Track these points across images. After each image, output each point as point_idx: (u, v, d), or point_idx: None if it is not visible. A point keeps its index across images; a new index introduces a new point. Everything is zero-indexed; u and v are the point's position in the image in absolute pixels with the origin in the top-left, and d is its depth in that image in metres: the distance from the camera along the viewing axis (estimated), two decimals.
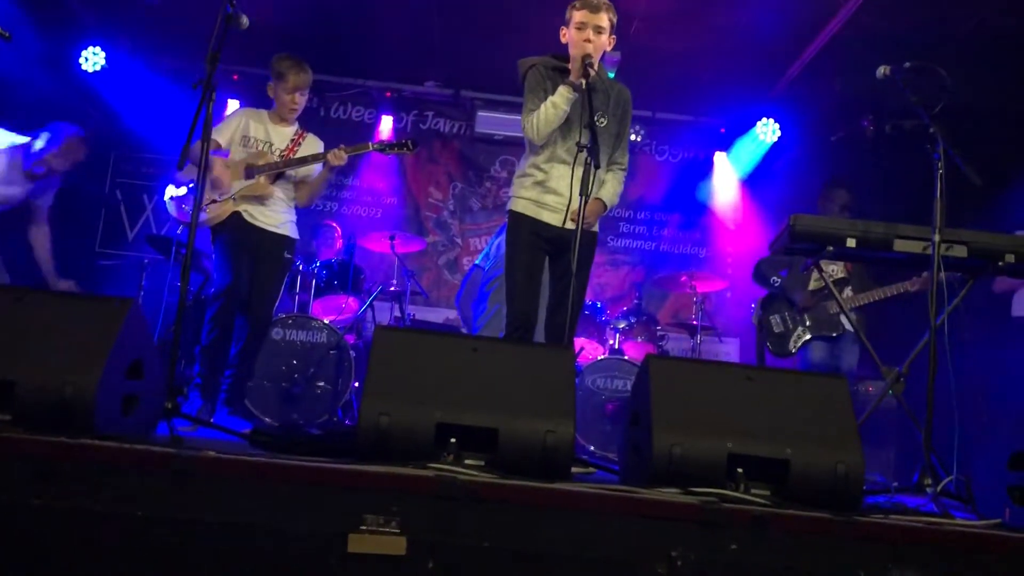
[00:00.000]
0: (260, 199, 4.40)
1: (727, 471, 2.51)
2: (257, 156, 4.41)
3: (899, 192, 6.36)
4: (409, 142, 4.51)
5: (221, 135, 4.42)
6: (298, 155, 4.47)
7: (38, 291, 2.78)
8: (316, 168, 4.51)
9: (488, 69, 7.24)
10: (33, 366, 2.45)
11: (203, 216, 4.29)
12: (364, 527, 2.11)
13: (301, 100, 4.55)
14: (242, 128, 4.47)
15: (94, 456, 2.17)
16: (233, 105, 7.27)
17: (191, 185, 4.61)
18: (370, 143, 4.49)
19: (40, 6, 6.39)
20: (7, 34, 3.92)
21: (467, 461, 2.49)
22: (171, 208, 4.57)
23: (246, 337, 4.41)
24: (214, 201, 4.34)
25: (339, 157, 4.32)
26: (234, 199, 4.34)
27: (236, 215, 4.36)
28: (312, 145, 4.58)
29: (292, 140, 4.53)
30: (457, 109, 8.08)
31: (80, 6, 6.90)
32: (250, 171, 4.38)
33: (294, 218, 4.60)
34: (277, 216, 4.47)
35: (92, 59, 7.24)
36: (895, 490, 3.10)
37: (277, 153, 4.47)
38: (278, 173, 4.44)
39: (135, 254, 7.40)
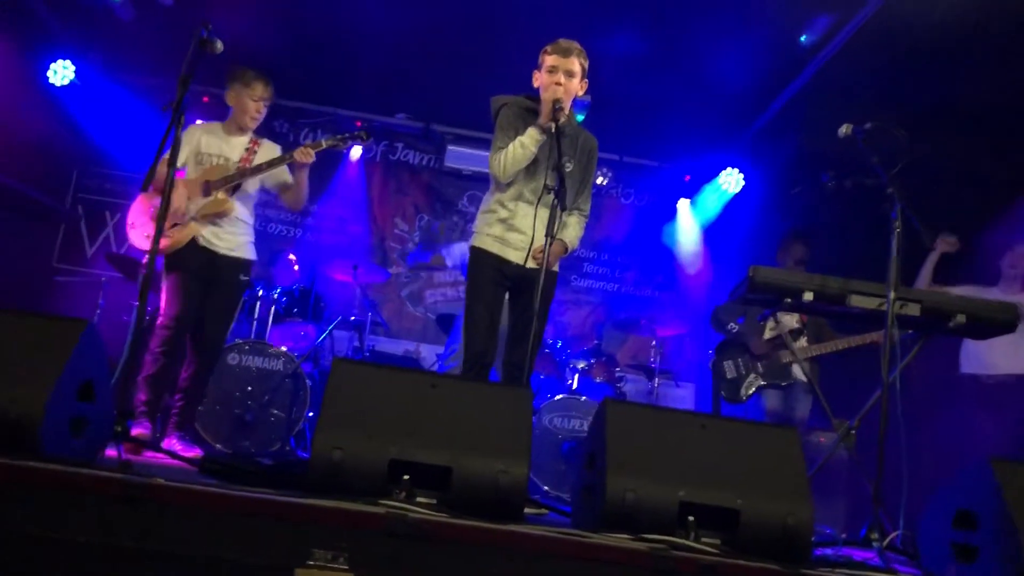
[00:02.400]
0: (219, 217, 4.32)
1: (678, 518, 2.52)
2: (212, 171, 4.33)
3: (857, 247, 6.48)
4: (363, 132, 4.52)
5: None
6: (255, 162, 4.40)
7: None
8: (280, 171, 4.46)
9: (460, 104, 7.30)
10: None
11: (164, 243, 4.21)
12: (312, 562, 2.08)
13: (264, 111, 4.52)
14: (195, 145, 4.41)
15: (39, 479, 2.12)
16: None
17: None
18: (323, 140, 4.45)
19: (10, 18, 6.34)
20: None
21: (419, 499, 2.47)
22: (135, 239, 4.43)
23: (198, 362, 4.33)
24: (175, 225, 4.27)
25: (308, 154, 4.28)
26: (195, 219, 4.28)
27: (193, 241, 4.29)
28: (268, 151, 4.51)
29: (247, 149, 4.46)
30: (427, 142, 8.12)
31: (52, 19, 6.84)
32: (207, 187, 4.31)
33: (252, 239, 4.54)
34: (235, 238, 4.40)
35: (61, 72, 7.17)
36: (843, 543, 3.13)
37: (232, 165, 4.39)
38: (236, 185, 4.35)
39: (94, 271, 7.29)
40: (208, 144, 4.43)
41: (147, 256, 3.20)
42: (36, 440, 2.35)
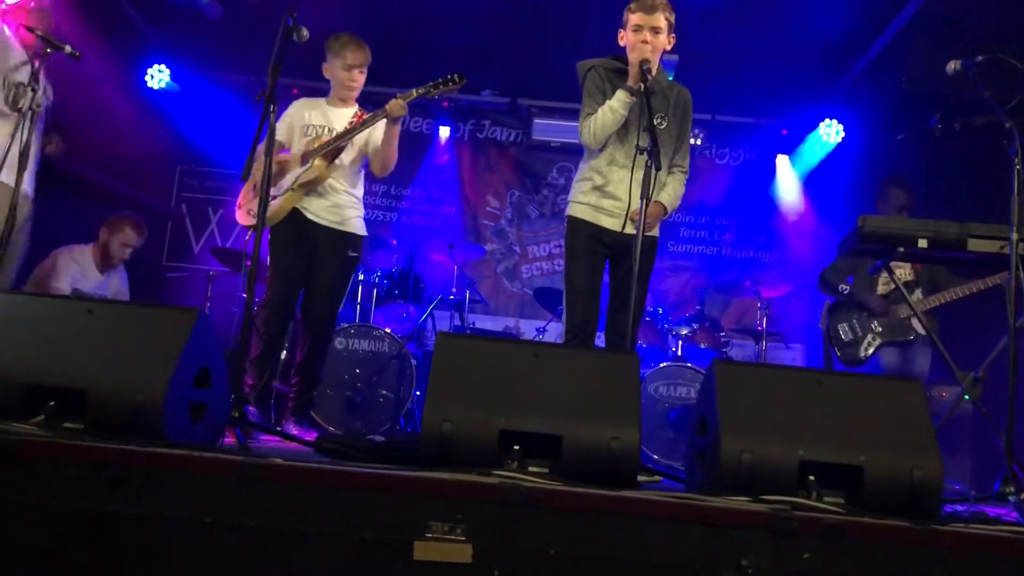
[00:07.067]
0: (314, 185, 4.20)
1: (798, 478, 2.44)
2: (314, 141, 4.25)
3: (969, 192, 6.17)
4: (455, 76, 4.05)
5: (280, 133, 4.27)
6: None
7: (107, 302, 2.84)
8: (379, 135, 4.30)
9: (544, 76, 7.23)
10: (104, 375, 2.50)
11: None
12: (430, 534, 2.10)
13: (360, 78, 4.41)
14: (300, 119, 4.35)
15: (164, 463, 2.20)
16: None
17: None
18: (415, 89, 4.11)
19: (106, 25, 6.57)
20: (77, 53, 4.05)
21: (531, 468, 2.46)
22: (239, 218, 4.46)
23: (309, 343, 4.26)
24: (273, 198, 4.18)
25: (400, 107, 4.08)
26: (292, 189, 4.18)
27: (295, 212, 4.20)
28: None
29: (351, 122, 4.31)
30: (514, 117, 8.09)
31: (145, 24, 7.07)
32: (306, 157, 4.22)
33: (360, 213, 4.41)
34: (340, 211, 4.28)
35: (157, 76, 7.43)
36: (975, 499, 2.98)
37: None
38: (334, 152, 4.23)
39: (201, 267, 7.56)
40: (312, 116, 4.35)
41: (254, 246, 3.25)
42: (160, 426, 2.44)
